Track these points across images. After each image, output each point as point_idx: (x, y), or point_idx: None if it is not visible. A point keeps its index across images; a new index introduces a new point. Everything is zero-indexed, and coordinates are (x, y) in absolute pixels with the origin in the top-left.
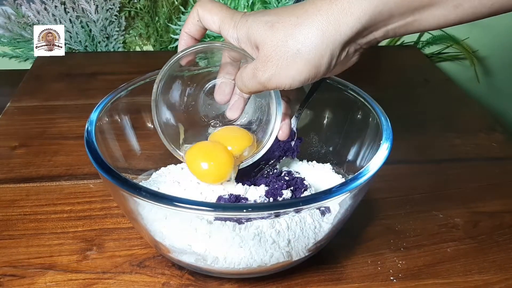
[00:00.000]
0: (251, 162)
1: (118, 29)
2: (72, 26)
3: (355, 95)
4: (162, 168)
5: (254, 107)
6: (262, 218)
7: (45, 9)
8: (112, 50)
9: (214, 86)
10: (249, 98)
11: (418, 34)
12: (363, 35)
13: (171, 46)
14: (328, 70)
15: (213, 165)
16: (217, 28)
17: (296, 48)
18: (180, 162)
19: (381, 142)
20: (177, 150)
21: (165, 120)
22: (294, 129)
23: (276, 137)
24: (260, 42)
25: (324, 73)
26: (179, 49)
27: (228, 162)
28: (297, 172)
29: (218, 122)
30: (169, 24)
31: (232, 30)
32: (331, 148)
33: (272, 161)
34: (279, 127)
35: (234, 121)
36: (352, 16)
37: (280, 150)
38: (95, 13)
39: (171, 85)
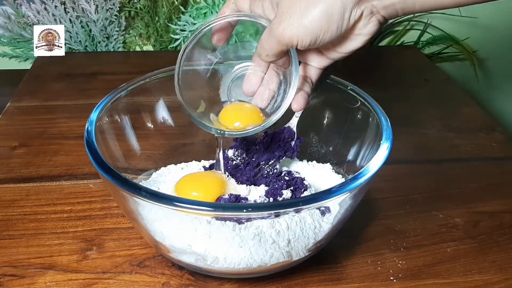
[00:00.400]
0: (262, 129)
1: (118, 29)
2: (72, 26)
3: (355, 95)
4: (162, 168)
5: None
6: (262, 218)
7: (45, 9)
8: (112, 50)
9: (241, 75)
10: (275, 91)
11: (418, 34)
12: None
13: (171, 46)
14: (341, 25)
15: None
16: (248, 6)
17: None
18: (180, 162)
19: (381, 142)
20: (200, 120)
21: (187, 91)
22: (294, 129)
23: (277, 137)
24: (279, 0)
25: (337, 27)
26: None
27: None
28: (297, 172)
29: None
30: (169, 24)
31: (259, 1)
32: (331, 148)
33: (272, 161)
34: (293, 94)
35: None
36: None
37: (280, 150)
38: (95, 13)
39: (197, 57)
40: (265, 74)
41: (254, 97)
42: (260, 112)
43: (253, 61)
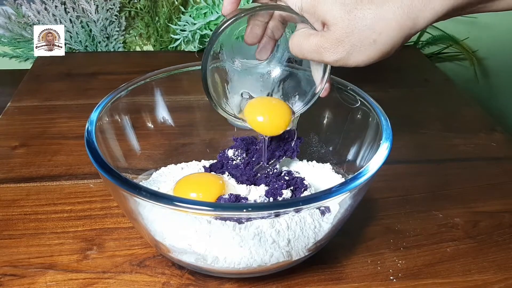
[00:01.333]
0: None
1: (118, 29)
2: (72, 26)
3: (355, 95)
4: (162, 168)
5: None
6: (262, 218)
7: (45, 9)
8: (112, 50)
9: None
10: (278, 39)
11: (418, 34)
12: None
13: (171, 46)
14: (398, 50)
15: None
16: None
17: (372, 38)
18: (180, 162)
19: (381, 142)
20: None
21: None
22: (294, 129)
23: (277, 137)
24: (332, 22)
25: (393, 53)
26: (224, 2)
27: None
28: (297, 172)
29: (250, 92)
30: (169, 24)
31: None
32: (331, 148)
33: (272, 161)
34: (324, 86)
35: (270, 74)
36: (432, 11)
37: (280, 150)
38: (95, 13)
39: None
40: (267, 22)
41: (258, 49)
42: (287, 105)
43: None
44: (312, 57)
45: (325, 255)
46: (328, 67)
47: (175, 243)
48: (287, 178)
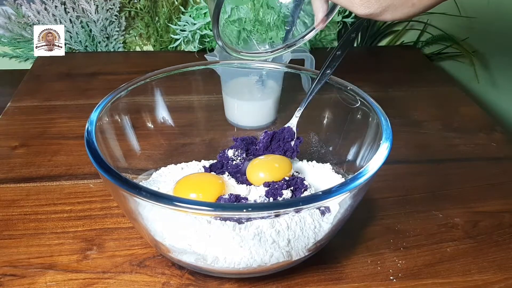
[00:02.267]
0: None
1: (118, 29)
2: (72, 26)
3: (355, 95)
4: (162, 168)
5: None
6: (262, 218)
7: (45, 9)
8: (112, 50)
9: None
10: None
11: (418, 33)
12: None
13: (171, 46)
14: None
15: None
16: None
17: (412, 2)
18: (180, 162)
19: (381, 142)
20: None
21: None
22: (294, 129)
23: (277, 137)
24: None
25: None
26: None
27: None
28: (297, 172)
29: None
30: (169, 24)
31: None
32: (331, 148)
33: None
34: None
35: None
36: None
37: (280, 150)
38: (95, 13)
39: None
40: None
41: None
42: (289, 161)
43: None
44: (340, 3)
45: (325, 255)
46: (337, 8)
47: (175, 243)
48: (287, 178)
